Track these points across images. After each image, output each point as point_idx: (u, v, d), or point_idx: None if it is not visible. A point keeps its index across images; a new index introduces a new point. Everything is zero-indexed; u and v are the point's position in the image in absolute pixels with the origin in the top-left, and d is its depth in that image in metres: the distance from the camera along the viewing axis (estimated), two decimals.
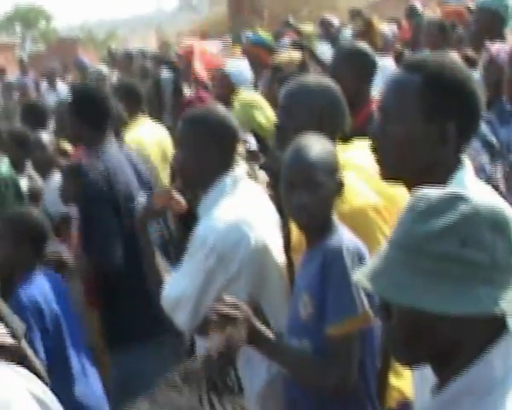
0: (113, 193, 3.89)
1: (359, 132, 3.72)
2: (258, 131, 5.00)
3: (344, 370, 2.39)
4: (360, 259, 2.42)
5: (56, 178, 4.91)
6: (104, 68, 10.06)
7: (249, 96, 5.38)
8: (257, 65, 6.50)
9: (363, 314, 2.38)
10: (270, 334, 2.40)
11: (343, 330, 2.38)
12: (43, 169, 5.21)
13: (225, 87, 5.80)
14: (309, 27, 9.86)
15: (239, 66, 6.25)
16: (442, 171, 2.02)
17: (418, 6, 10.82)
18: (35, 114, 6.28)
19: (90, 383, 3.63)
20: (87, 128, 4.07)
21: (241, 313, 2.33)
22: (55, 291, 3.61)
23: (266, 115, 5.15)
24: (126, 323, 3.86)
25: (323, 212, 2.51)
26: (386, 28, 8.52)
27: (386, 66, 6.41)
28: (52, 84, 12.42)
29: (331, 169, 2.52)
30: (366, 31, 7.09)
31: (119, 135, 4.67)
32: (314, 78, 3.15)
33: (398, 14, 11.35)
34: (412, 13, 10.29)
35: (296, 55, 5.55)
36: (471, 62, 5.75)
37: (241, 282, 2.85)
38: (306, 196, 2.47)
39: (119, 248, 3.83)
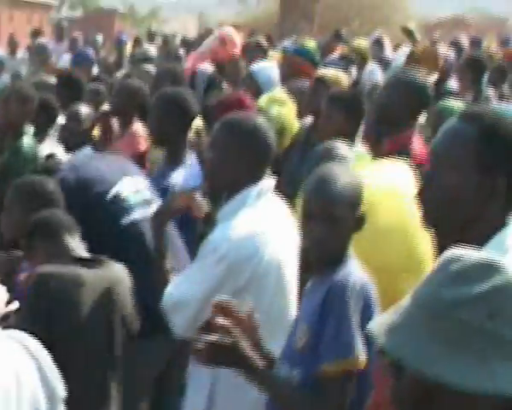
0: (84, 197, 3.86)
1: (393, 157, 3.79)
2: (287, 129, 5.04)
3: (335, 409, 2.41)
4: (366, 299, 2.43)
5: (87, 152, 4.99)
6: (152, 49, 10.03)
7: (279, 94, 5.41)
8: (296, 75, 6.51)
9: (356, 358, 2.39)
10: (258, 361, 2.40)
11: (338, 369, 2.39)
12: (76, 141, 5.24)
13: (252, 89, 5.84)
14: (363, 43, 9.87)
15: (267, 69, 6.28)
16: (484, 228, 2.03)
17: (463, 40, 10.77)
18: (71, 87, 6.34)
19: None
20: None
21: (231, 338, 2.34)
22: None
23: (293, 114, 5.19)
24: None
25: (339, 247, 2.53)
26: (446, 51, 8.53)
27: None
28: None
29: (353, 204, 2.54)
30: (422, 55, 7.16)
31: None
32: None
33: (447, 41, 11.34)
34: (456, 46, 10.26)
35: (343, 76, 5.60)
36: None
37: (248, 296, 2.87)
38: (324, 231, 2.48)
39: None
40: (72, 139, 5.25)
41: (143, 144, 5.43)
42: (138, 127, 5.55)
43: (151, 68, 7.38)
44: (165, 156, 4.43)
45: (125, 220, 3.86)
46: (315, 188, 2.54)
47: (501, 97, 6.67)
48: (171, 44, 10.75)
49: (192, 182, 4.13)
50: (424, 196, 2.12)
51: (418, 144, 4.38)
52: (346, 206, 2.51)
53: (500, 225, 2.05)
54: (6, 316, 2.22)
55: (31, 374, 2.10)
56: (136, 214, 3.89)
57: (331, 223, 2.49)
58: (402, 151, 4.01)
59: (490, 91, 7.02)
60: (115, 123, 5.35)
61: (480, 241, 1.97)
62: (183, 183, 4.19)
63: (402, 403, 1.49)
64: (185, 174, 4.30)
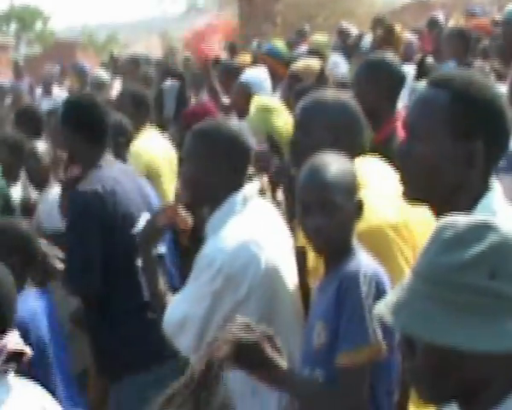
0: (106, 214, 3.78)
1: (381, 149, 3.71)
2: (275, 135, 5.00)
3: (353, 401, 2.39)
4: (379, 285, 2.41)
5: (54, 190, 4.90)
6: (104, 74, 10.08)
7: (266, 100, 5.39)
8: (271, 76, 6.53)
9: (375, 346, 2.37)
10: (281, 361, 2.38)
11: (353, 359, 2.37)
12: (38, 180, 5.20)
13: (243, 96, 5.83)
14: (321, 37, 9.88)
15: (258, 75, 6.27)
16: (469, 194, 2.03)
17: (440, 17, 10.89)
18: (29, 121, 6.29)
19: None
20: (83, 144, 3.93)
21: (254, 337, 2.30)
22: (46, 314, 3.58)
23: (284, 120, 5.16)
24: (123, 350, 3.81)
25: (341, 236, 2.50)
26: (408, 36, 8.58)
27: (409, 73, 6.47)
28: (48, 90, 12.35)
29: (350, 190, 2.51)
30: (387, 38, 7.12)
31: (121, 150, 4.64)
32: (331, 93, 3.15)
33: (418, 23, 11.43)
34: (433, 23, 10.35)
35: (314, 63, 5.56)
36: (499, 75, 5.77)
37: (251, 305, 2.85)
38: (322, 219, 2.46)
39: (97, 274, 3.73)
40: (36, 177, 5.20)
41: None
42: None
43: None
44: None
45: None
46: (308, 179, 2.52)
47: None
48: (141, 66, 10.71)
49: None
50: (403, 172, 2.10)
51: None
52: (341, 192, 2.48)
53: (484, 190, 2.03)
54: (17, 356, 2.19)
55: None
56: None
57: (329, 211, 2.46)
58: (389, 141, 3.94)
59: (479, 63, 7.01)
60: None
61: (466, 207, 1.96)
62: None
63: (420, 379, 1.49)
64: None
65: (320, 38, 9.73)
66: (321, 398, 2.45)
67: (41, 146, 5.33)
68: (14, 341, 2.13)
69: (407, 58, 7.68)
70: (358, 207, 2.53)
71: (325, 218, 2.46)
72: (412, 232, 2.76)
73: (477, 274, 1.42)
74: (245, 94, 5.84)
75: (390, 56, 4.43)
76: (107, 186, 3.82)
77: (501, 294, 1.41)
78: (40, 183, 5.19)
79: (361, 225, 2.58)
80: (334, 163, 2.52)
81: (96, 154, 3.94)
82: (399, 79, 4.18)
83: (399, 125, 4.08)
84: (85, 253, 3.73)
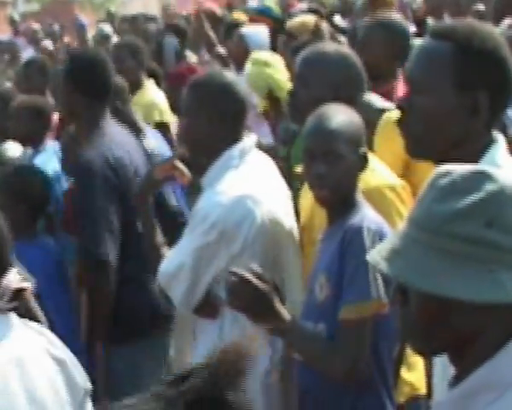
0: (116, 179, 3.66)
1: None
2: (275, 89, 4.98)
3: (353, 355, 2.40)
4: (382, 240, 2.41)
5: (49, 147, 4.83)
6: (107, 28, 9.99)
7: (264, 55, 5.37)
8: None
9: (377, 300, 2.38)
10: (285, 313, 2.40)
11: (355, 314, 2.38)
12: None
13: (241, 50, 5.81)
14: None
15: (256, 30, 6.24)
16: (473, 146, 2.00)
17: None
18: (37, 73, 6.20)
19: None
20: (86, 101, 3.75)
21: (264, 287, 2.33)
22: (44, 268, 3.58)
23: (283, 75, 5.15)
24: (125, 315, 3.69)
25: (344, 185, 2.50)
26: None
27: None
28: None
29: (354, 141, 2.51)
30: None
31: (118, 113, 4.57)
32: (331, 46, 3.15)
33: None
34: None
35: (309, 19, 5.52)
36: None
37: (244, 260, 2.85)
38: (326, 168, 2.46)
39: (110, 239, 3.60)
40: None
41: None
42: None
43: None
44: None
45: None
46: (313, 127, 2.52)
47: None
48: (138, 23, 10.64)
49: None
50: (407, 127, 2.06)
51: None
52: (346, 142, 2.48)
53: (488, 142, 2.01)
54: (20, 293, 2.20)
55: (44, 364, 2.09)
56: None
57: (333, 159, 2.46)
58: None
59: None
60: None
61: (471, 160, 1.93)
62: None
63: (411, 330, 1.48)
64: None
65: None
66: (321, 352, 2.46)
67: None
68: (15, 279, 2.15)
69: (404, 17, 7.63)
70: (362, 159, 2.53)
71: (329, 166, 2.46)
72: (410, 194, 2.77)
73: (473, 223, 1.40)
74: (243, 47, 5.83)
75: (399, 18, 4.42)
76: (116, 152, 3.70)
77: (496, 243, 1.39)
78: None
79: (359, 186, 2.59)
80: (340, 114, 2.52)
81: (97, 113, 3.77)
82: (407, 43, 4.15)
83: (399, 85, 4.09)
84: (108, 221, 3.61)
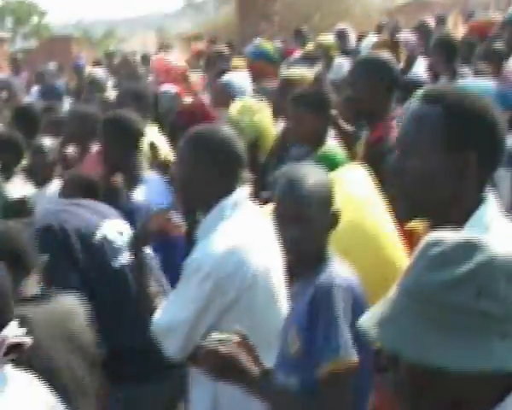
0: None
1: (376, 148, 3.74)
2: (260, 138, 5.04)
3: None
4: (354, 296, 2.44)
5: (55, 186, 4.93)
6: (101, 73, 10.06)
7: (252, 102, 5.42)
8: (259, 77, 6.60)
9: (345, 359, 2.39)
10: (254, 368, 2.42)
11: (329, 371, 2.39)
12: (45, 175, 5.21)
13: (224, 96, 5.87)
14: (328, 37, 9.90)
15: (238, 77, 6.33)
16: (462, 207, 2.04)
17: (430, 22, 10.84)
18: (27, 119, 6.32)
19: None
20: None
21: (227, 349, 2.37)
22: None
23: (269, 122, 5.20)
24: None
25: (315, 247, 2.55)
26: (408, 36, 8.59)
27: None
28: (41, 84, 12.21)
29: (324, 202, 2.56)
30: (388, 45, 7.19)
31: None
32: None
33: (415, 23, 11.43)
34: (423, 27, 10.32)
35: (308, 73, 5.61)
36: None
37: (241, 308, 2.90)
38: (297, 231, 2.50)
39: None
40: (40, 173, 5.23)
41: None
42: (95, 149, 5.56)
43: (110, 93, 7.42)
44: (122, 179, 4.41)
45: (116, 262, 3.71)
46: (284, 192, 2.56)
47: (476, 73, 6.70)
48: (130, 62, 10.72)
49: (157, 199, 4.14)
50: (398, 189, 2.11)
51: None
52: (316, 204, 2.52)
53: (477, 202, 2.05)
54: (17, 347, 2.21)
55: None
56: (126, 256, 3.67)
57: (303, 223, 2.51)
58: (383, 141, 3.95)
59: (465, 69, 7.06)
60: (72, 149, 5.36)
61: (460, 220, 1.99)
62: (148, 200, 4.20)
63: (403, 394, 1.49)
64: (147, 192, 4.33)
65: (326, 39, 9.76)
66: (295, 407, 2.47)
67: (47, 142, 5.36)
68: (13, 332, 2.16)
69: (413, 58, 7.72)
70: (333, 219, 2.57)
71: (300, 230, 2.50)
72: None
73: (463, 293, 1.42)
74: (227, 94, 5.90)
75: (386, 55, 4.47)
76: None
77: (486, 313, 1.41)
78: (43, 180, 5.20)
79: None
80: (310, 176, 2.56)
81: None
82: (395, 78, 4.21)
83: (394, 124, 4.12)
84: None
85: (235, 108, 5.26)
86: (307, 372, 2.43)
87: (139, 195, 4.31)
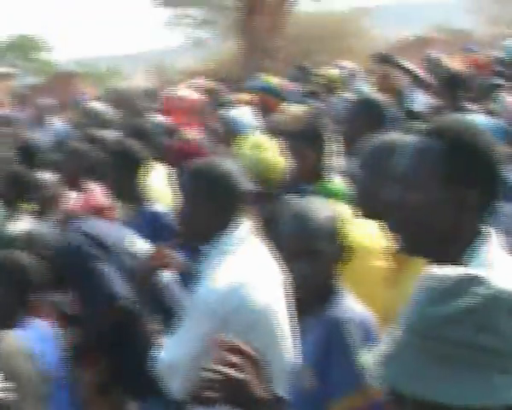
0: None
1: None
2: (269, 172, 5.04)
3: None
4: (366, 331, 2.42)
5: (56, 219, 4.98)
6: (98, 106, 10.08)
7: (260, 138, 5.42)
8: (265, 111, 6.65)
9: (365, 392, 2.37)
10: (272, 403, 2.38)
11: (345, 406, 2.39)
12: (42, 209, 5.24)
13: (228, 132, 5.89)
14: (333, 72, 9.99)
15: (242, 112, 6.36)
16: (462, 242, 2.04)
17: (434, 55, 10.92)
18: (29, 154, 6.36)
19: None
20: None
21: (241, 376, 2.28)
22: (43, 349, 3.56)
23: (276, 156, 5.20)
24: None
25: (324, 281, 2.54)
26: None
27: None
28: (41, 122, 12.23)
29: (332, 235, 2.55)
30: (384, 78, 7.24)
31: None
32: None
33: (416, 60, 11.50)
34: (428, 61, 10.38)
35: (298, 111, 5.68)
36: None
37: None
38: (307, 267, 2.50)
39: None
40: (41, 207, 5.26)
41: (100, 200, 5.45)
42: (92, 185, 5.58)
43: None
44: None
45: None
46: (291, 228, 2.55)
47: (479, 109, 6.74)
48: (131, 98, 10.77)
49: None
50: (396, 223, 2.12)
51: None
52: (324, 239, 2.52)
53: (478, 238, 2.05)
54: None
55: None
56: None
57: (312, 258, 2.50)
58: None
59: (473, 106, 7.09)
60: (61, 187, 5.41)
61: (458, 254, 1.98)
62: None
63: None
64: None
65: (333, 72, 9.88)
66: None
67: (48, 177, 5.41)
68: None
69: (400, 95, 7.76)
70: (341, 250, 2.56)
71: (309, 265, 2.50)
72: None
73: (465, 328, 1.42)
74: (231, 129, 5.93)
75: (380, 96, 4.57)
76: None
77: (488, 348, 1.42)
78: (42, 213, 5.23)
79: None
80: (316, 209, 2.56)
81: None
82: (386, 118, 4.30)
83: None
84: None
85: (244, 143, 5.27)
86: (321, 407, 2.42)
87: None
